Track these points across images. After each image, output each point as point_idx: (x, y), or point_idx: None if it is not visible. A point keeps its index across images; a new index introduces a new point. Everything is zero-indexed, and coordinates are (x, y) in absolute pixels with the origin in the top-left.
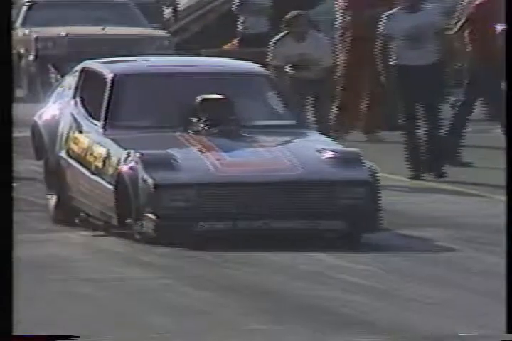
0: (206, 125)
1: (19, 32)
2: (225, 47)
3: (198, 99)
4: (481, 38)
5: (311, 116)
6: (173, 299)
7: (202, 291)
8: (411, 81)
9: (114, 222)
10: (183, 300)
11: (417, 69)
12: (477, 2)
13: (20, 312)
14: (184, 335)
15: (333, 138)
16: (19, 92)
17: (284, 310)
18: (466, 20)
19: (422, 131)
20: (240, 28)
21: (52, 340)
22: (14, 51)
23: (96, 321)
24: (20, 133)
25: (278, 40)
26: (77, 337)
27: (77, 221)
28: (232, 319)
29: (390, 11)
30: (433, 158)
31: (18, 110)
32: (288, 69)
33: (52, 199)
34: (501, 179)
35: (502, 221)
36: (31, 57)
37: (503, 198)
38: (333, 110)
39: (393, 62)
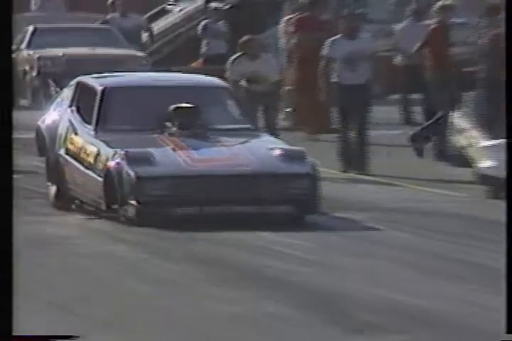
0: (178, 128)
1: (24, 53)
2: (192, 65)
3: (172, 107)
4: (436, 56)
5: (261, 121)
6: (149, 270)
7: (173, 264)
8: (347, 96)
9: (103, 207)
10: (158, 271)
11: (352, 87)
12: (432, 27)
13: (23, 278)
14: (158, 300)
15: (281, 138)
16: (24, 102)
17: (240, 278)
18: (424, 42)
19: (351, 134)
20: (203, 49)
21: (52, 340)
22: (20, 69)
23: (87, 287)
24: (24, 135)
25: (234, 60)
26: (77, 337)
27: (73, 206)
28: (198, 286)
29: (333, 37)
30: (361, 156)
31: (24, 117)
32: (243, 83)
33: (52, 189)
34: (414, 172)
35: (415, 205)
36: (34, 74)
37: (416, 187)
38: (287, 115)
39: (334, 80)
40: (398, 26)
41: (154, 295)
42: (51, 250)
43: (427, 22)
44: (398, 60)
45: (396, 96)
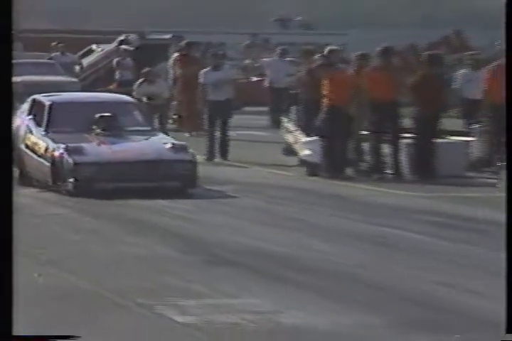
0: (102, 130)
1: None
2: (109, 87)
3: (97, 115)
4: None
5: (157, 125)
6: (81, 224)
7: (97, 220)
8: (214, 108)
9: (51, 183)
10: (86, 225)
11: (217, 102)
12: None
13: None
14: (86, 244)
15: (172, 136)
16: None
17: (143, 230)
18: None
19: (217, 134)
20: (117, 77)
21: (51, 340)
22: None
23: (41, 236)
24: None
25: (139, 84)
26: (77, 337)
27: (31, 183)
28: (113, 235)
29: (204, 70)
30: (223, 148)
31: None
32: (144, 99)
33: (17, 172)
34: (262, 159)
35: (261, 180)
36: None
37: (262, 169)
38: (174, 121)
39: (207, 98)
40: (265, 61)
41: (84, 241)
42: (16, 212)
43: (290, 59)
44: (266, 84)
45: (249, 108)
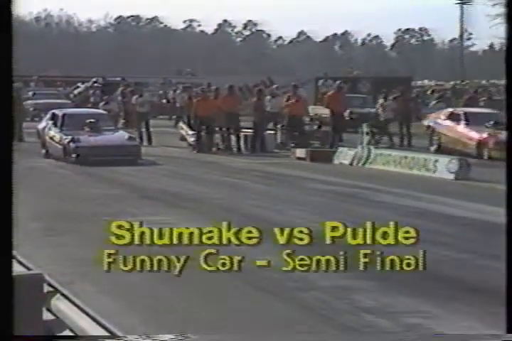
0: (90, 129)
1: (29, 101)
2: (88, 106)
3: (87, 120)
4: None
5: (117, 125)
6: (75, 178)
7: (83, 176)
8: (141, 116)
9: (62, 157)
10: (78, 179)
11: (142, 113)
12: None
13: (24, 180)
14: (77, 188)
15: (126, 132)
16: (28, 119)
17: (106, 180)
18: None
19: (143, 130)
20: (92, 100)
21: (53, 340)
22: (28, 107)
23: (52, 183)
24: (31, 130)
25: (102, 104)
26: (80, 336)
27: (51, 157)
28: (91, 183)
29: (135, 96)
30: (148, 138)
31: (29, 125)
32: (105, 112)
33: (43, 151)
34: (170, 142)
35: (171, 154)
36: (32, 109)
37: (169, 148)
38: (123, 123)
39: (137, 111)
40: (175, 92)
41: (75, 187)
42: (39, 171)
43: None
44: (178, 104)
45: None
